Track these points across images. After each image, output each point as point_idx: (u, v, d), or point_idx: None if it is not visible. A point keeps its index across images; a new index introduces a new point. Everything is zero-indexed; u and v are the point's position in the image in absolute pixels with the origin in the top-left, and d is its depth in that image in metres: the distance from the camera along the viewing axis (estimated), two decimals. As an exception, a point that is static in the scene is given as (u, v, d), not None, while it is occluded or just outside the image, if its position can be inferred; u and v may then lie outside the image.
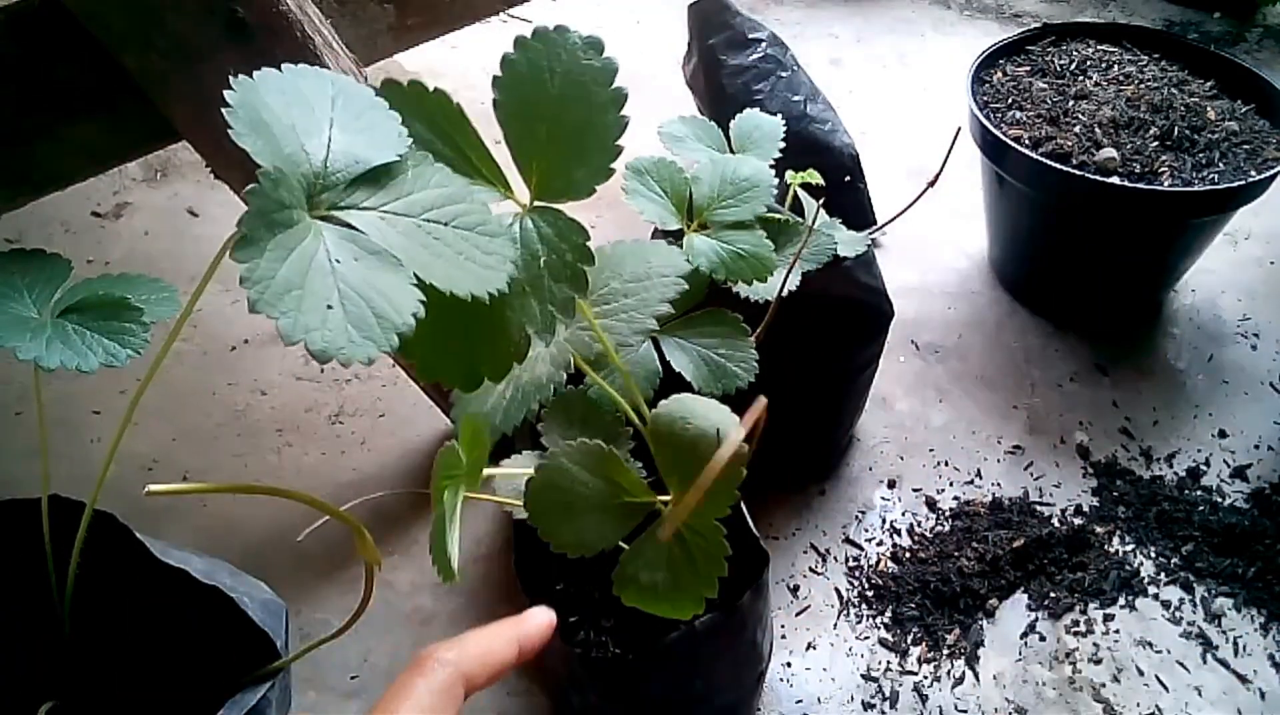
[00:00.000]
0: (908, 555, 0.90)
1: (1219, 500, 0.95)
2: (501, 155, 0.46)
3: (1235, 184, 0.96)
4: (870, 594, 0.87)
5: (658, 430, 0.51)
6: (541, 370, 0.51)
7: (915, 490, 0.96)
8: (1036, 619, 0.85)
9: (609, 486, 0.51)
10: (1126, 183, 0.97)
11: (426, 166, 0.41)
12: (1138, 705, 0.80)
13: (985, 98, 1.11)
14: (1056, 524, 0.93)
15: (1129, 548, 0.91)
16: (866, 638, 0.84)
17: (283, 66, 0.39)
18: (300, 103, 0.38)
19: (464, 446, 0.47)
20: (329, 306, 0.34)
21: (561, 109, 0.44)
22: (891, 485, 0.97)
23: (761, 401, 0.45)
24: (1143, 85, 1.10)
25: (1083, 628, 0.85)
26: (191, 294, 0.41)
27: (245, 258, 0.33)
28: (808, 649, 0.83)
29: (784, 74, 1.00)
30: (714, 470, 0.40)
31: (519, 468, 0.62)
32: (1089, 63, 1.15)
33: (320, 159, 0.38)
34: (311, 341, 0.33)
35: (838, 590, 0.88)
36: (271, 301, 0.33)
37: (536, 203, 0.45)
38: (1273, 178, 0.98)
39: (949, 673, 0.82)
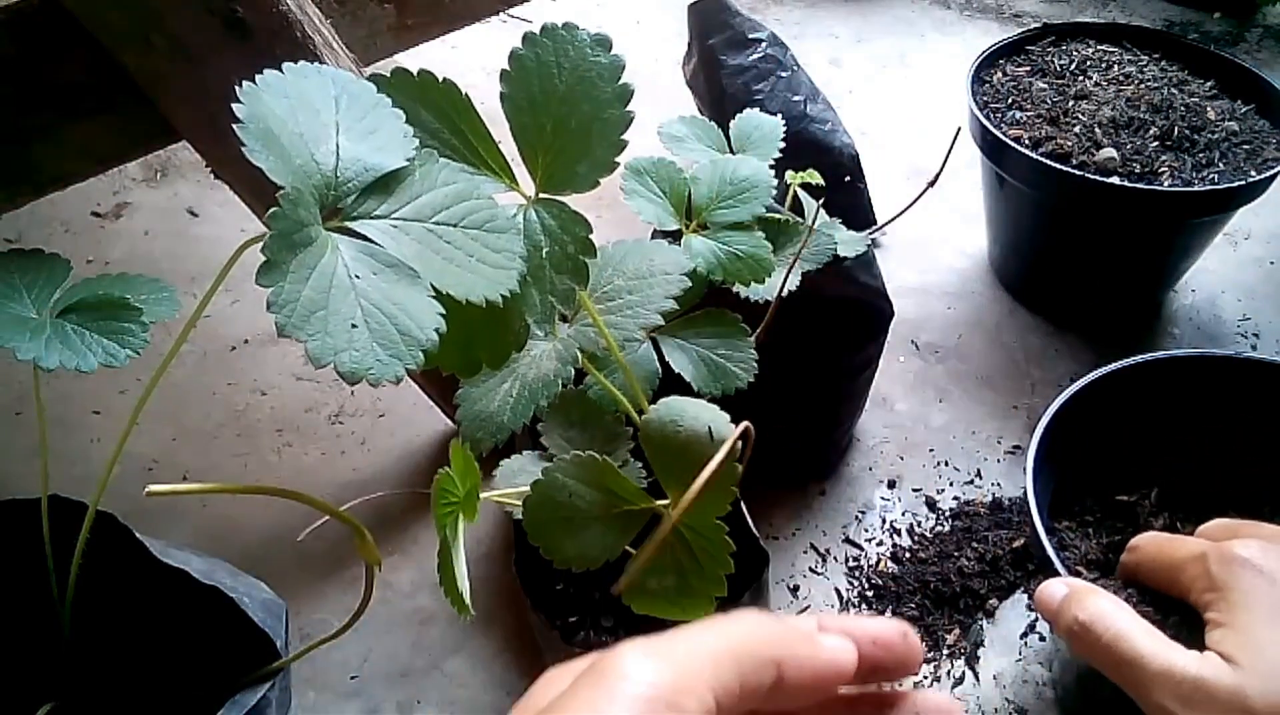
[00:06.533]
0: (908, 555, 0.90)
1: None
2: (506, 149, 0.47)
3: (1235, 184, 0.96)
4: (870, 594, 0.87)
5: (649, 435, 0.51)
6: (548, 367, 0.51)
7: (915, 490, 0.96)
8: (1036, 619, 0.85)
9: (606, 496, 0.50)
10: (1126, 183, 0.97)
11: (433, 164, 0.41)
12: (1138, 705, 0.80)
13: (985, 98, 1.11)
14: (1056, 524, 0.93)
15: (1129, 548, 0.91)
16: (867, 638, 0.84)
17: (284, 66, 0.39)
18: (305, 106, 0.39)
19: (458, 474, 0.47)
20: (353, 325, 0.34)
21: (568, 103, 0.45)
22: (891, 485, 0.97)
23: (744, 425, 0.45)
24: (1143, 85, 1.10)
25: (1083, 628, 0.85)
26: (194, 296, 0.42)
27: (270, 282, 0.33)
28: (808, 649, 0.83)
29: (784, 74, 1.00)
30: (709, 472, 0.40)
31: (518, 469, 0.62)
32: (1089, 63, 1.15)
33: (330, 168, 0.38)
34: (340, 363, 0.34)
35: (838, 590, 0.88)
36: (299, 324, 0.33)
37: (541, 194, 0.46)
38: (1273, 178, 0.98)
39: (949, 673, 0.82)
